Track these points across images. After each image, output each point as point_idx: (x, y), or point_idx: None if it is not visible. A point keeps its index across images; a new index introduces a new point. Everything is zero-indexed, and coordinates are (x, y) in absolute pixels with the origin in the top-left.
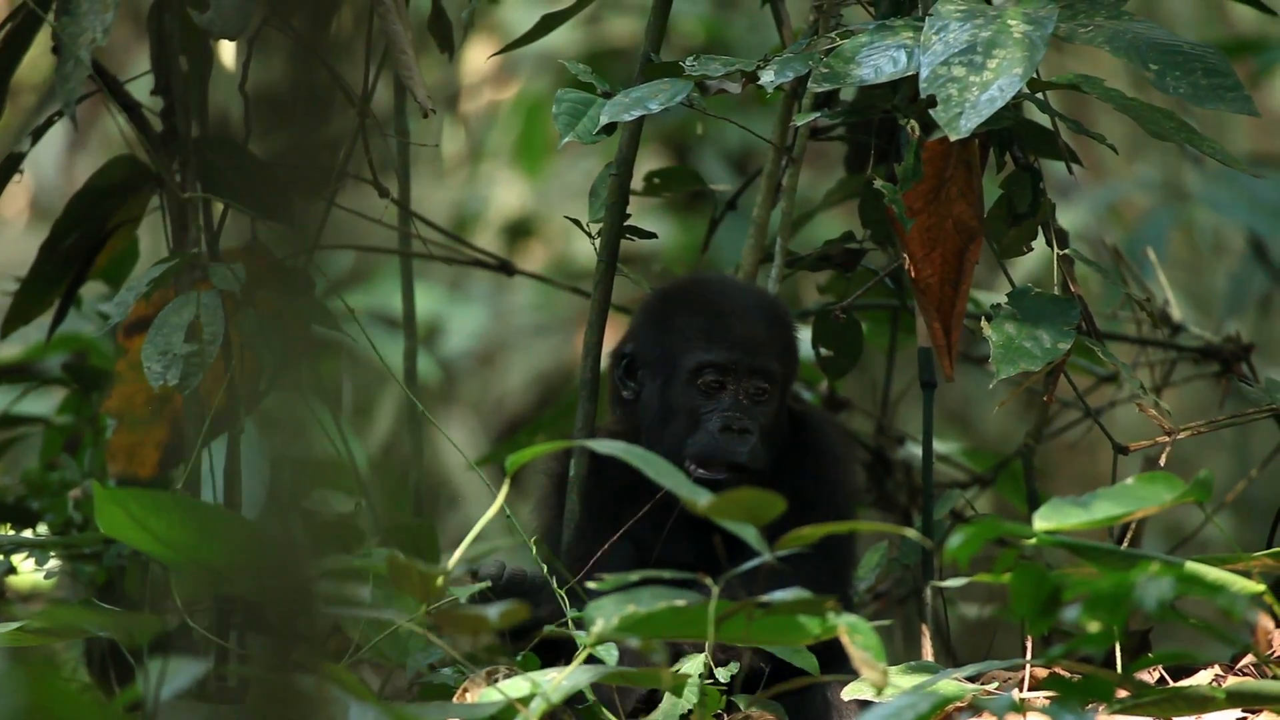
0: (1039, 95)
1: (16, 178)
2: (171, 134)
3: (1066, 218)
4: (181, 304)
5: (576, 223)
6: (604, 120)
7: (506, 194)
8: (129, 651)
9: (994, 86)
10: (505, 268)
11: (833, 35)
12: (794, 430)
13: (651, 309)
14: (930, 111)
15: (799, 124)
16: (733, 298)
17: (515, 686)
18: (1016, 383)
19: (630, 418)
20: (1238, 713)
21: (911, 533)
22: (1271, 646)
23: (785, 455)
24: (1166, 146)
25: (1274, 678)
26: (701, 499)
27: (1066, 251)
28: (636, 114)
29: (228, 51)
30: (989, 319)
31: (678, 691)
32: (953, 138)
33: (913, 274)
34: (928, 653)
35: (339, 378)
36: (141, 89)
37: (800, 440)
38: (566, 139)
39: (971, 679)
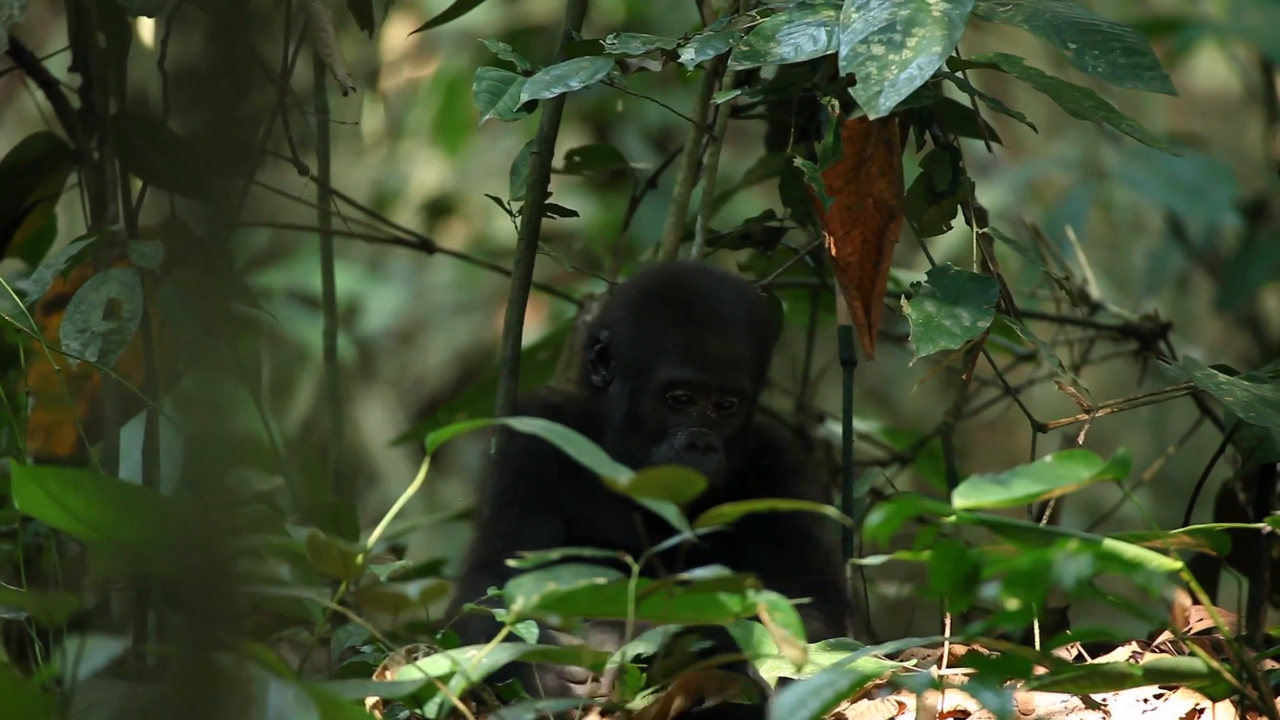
0: (958, 74)
1: None
2: (89, 111)
3: (986, 196)
4: (100, 281)
5: (497, 201)
6: (525, 98)
7: (426, 172)
8: (47, 630)
9: (913, 65)
10: (425, 246)
11: (753, 13)
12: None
13: (630, 302)
14: (850, 90)
15: (719, 102)
16: (712, 306)
17: (435, 664)
18: (936, 361)
19: (597, 400)
20: (1155, 689)
21: (831, 510)
22: (1188, 623)
23: (750, 461)
24: (1085, 125)
25: (1190, 654)
26: (622, 477)
27: (986, 230)
28: (557, 91)
29: (146, 28)
30: (909, 297)
31: (598, 669)
32: (872, 116)
33: (833, 252)
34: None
35: (258, 356)
36: (59, 66)
37: (760, 446)
38: (487, 116)
39: (891, 656)
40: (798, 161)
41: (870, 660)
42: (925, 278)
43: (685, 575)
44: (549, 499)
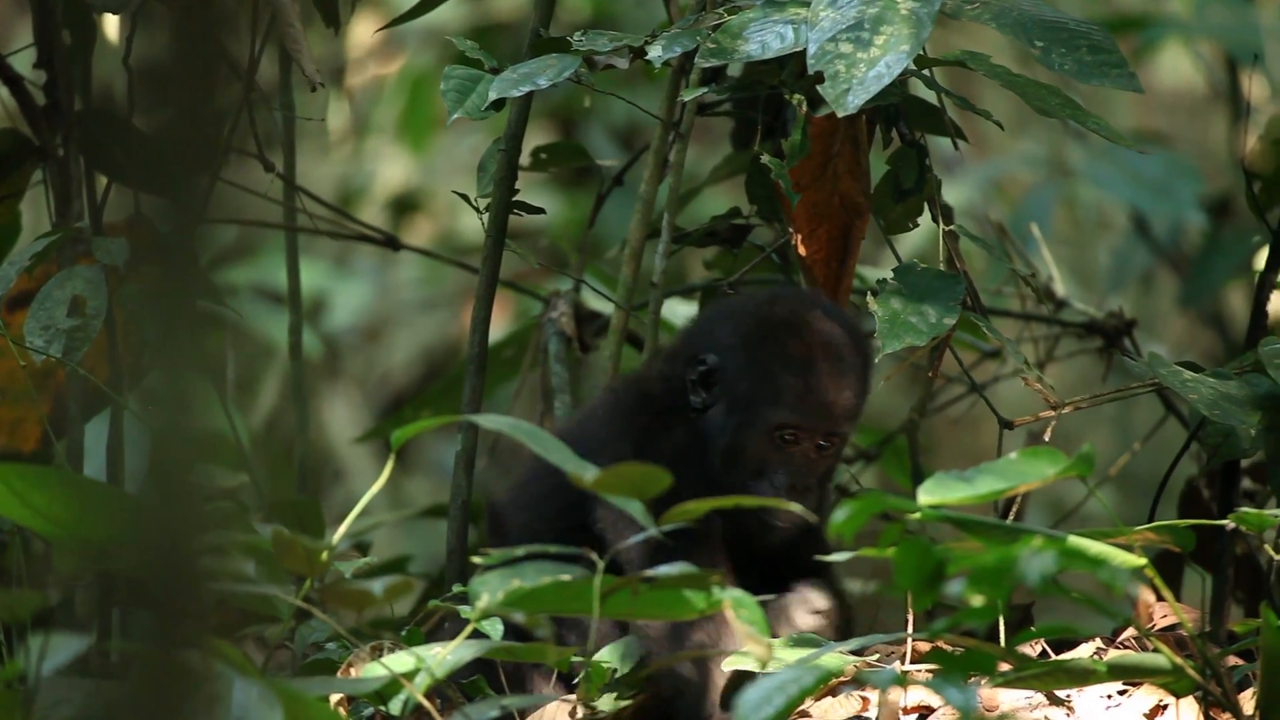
0: (925, 72)
1: None
2: (54, 107)
3: (952, 194)
4: (64, 278)
5: (464, 198)
6: (493, 96)
7: (392, 169)
8: (11, 627)
9: (881, 63)
10: (391, 243)
11: (720, 11)
12: None
13: (744, 330)
14: (818, 88)
15: (686, 99)
16: (832, 351)
17: (400, 661)
18: (901, 358)
19: (694, 421)
20: (1118, 685)
21: (796, 507)
22: (1152, 620)
23: None
24: (1050, 123)
25: (1154, 651)
26: (588, 474)
27: (952, 227)
28: (525, 90)
29: (111, 25)
30: (875, 294)
31: (562, 666)
32: (840, 114)
33: (799, 250)
34: None
35: (223, 352)
36: (24, 62)
37: None
38: (455, 115)
39: (855, 652)
40: (764, 158)
41: (835, 656)
42: (891, 275)
43: (649, 572)
44: None
